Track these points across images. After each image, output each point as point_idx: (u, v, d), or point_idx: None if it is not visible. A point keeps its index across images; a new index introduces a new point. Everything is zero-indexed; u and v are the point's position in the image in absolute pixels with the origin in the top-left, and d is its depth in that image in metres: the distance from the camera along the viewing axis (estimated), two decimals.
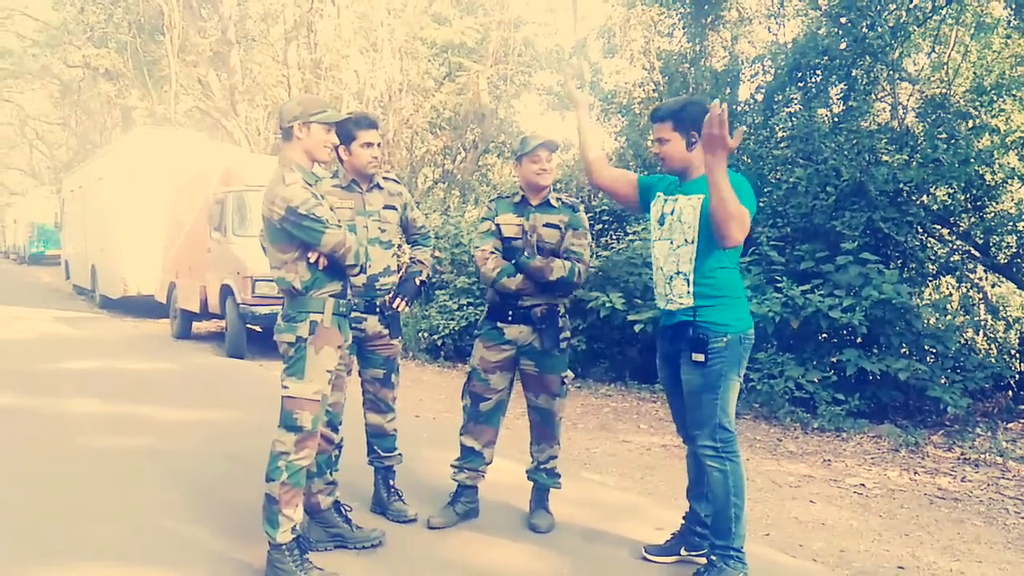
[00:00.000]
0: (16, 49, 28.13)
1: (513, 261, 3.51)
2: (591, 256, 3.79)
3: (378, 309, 3.64)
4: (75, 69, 24.87)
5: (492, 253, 3.54)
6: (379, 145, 3.63)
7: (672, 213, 3.03)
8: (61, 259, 19.89)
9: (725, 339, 2.92)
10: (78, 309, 14.61)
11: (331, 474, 3.38)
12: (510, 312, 3.55)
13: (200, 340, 10.67)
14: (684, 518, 3.31)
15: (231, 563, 3.14)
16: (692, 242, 2.95)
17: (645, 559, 3.22)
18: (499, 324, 3.58)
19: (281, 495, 2.89)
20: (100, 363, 8.13)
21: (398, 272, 3.80)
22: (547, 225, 3.55)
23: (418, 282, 3.78)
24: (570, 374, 3.68)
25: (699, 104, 2.99)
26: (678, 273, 2.99)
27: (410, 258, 3.89)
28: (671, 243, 3.02)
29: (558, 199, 3.63)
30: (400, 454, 3.83)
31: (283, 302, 3.09)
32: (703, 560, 3.11)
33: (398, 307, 3.68)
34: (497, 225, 3.61)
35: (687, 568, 3.11)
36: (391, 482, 3.81)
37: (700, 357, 2.92)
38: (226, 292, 9.07)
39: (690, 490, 3.29)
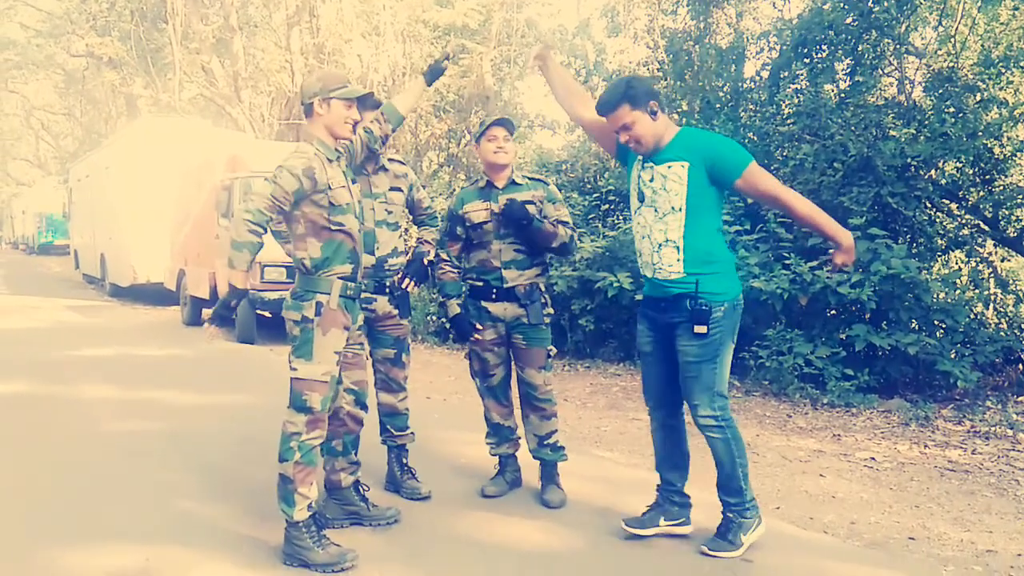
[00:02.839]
0: (20, 40, 28.11)
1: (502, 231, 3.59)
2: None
3: (387, 290, 3.68)
4: (79, 58, 24.87)
5: (446, 261, 3.76)
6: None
7: (652, 181, 2.99)
8: (70, 248, 20.00)
9: (723, 308, 2.94)
10: (88, 298, 14.71)
11: (355, 454, 3.42)
12: (493, 291, 3.64)
13: None
14: (657, 489, 3.30)
15: (249, 542, 3.19)
16: (680, 210, 2.92)
17: (625, 530, 3.20)
18: (483, 303, 3.67)
19: (295, 474, 2.92)
20: (113, 350, 8.20)
21: (406, 253, 3.83)
22: (524, 203, 3.57)
23: (425, 262, 3.82)
24: (553, 349, 3.76)
25: (638, 77, 3.12)
26: (668, 241, 2.96)
27: (417, 239, 3.93)
28: (656, 211, 2.98)
29: (524, 176, 3.70)
30: (412, 433, 3.87)
31: (295, 281, 3.10)
32: (684, 530, 3.21)
33: (406, 287, 3.73)
34: (463, 216, 3.68)
35: (692, 543, 3.15)
36: (404, 460, 3.86)
37: (703, 329, 2.91)
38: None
39: (661, 462, 3.29)
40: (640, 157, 3.06)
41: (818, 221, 2.97)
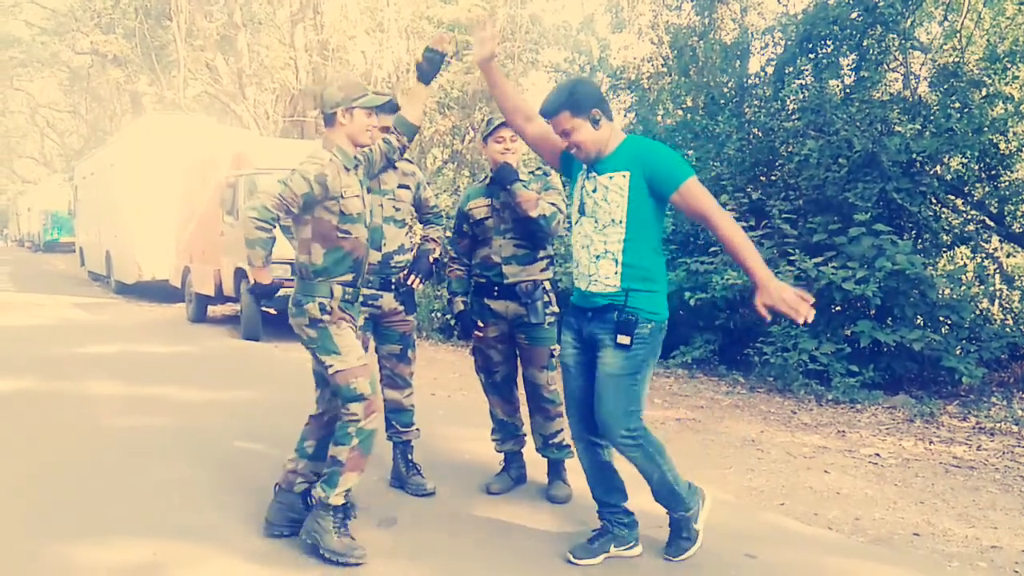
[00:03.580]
0: (25, 37, 28.19)
1: (509, 184, 3.51)
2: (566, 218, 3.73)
3: (393, 286, 3.70)
4: (83, 56, 24.90)
5: (455, 258, 3.79)
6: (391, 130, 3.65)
7: (595, 191, 2.88)
8: (75, 246, 20.05)
9: (650, 326, 2.82)
10: (94, 295, 14.75)
11: (318, 464, 3.27)
12: (495, 288, 3.65)
13: (215, 323, 10.77)
14: (600, 515, 3.12)
15: (255, 537, 3.20)
16: (620, 223, 2.81)
17: (572, 562, 2.99)
18: (485, 300, 3.68)
19: (348, 459, 2.95)
20: (119, 347, 8.23)
21: (412, 250, 3.84)
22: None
23: (431, 260, 3.84)
24: (558, 348, 3.74)
25: (585, 82, 2.98)
26: (606, 253, 2.84)
27: (422, 236, 3.94)
28: (596, 222, 2.87)
29: (529, 172, 3.70)
30: (418, 429, 3.88)
31: (295, 285, 3.11)
32: (634, 552, 3.06)
33: (412, 284, 3.74)
34: (468, 212, 3.71)
35: (703, 538, 3.15)
36: (409, 456, 3.87)
37: (626, 340, 2.80)
38: (240, 275, 9.13)
39: (595, 485, 3.12)
40: (584, 167, 2.98)
41: (744, 255, 2.73)
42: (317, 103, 3.64)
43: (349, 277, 3.09)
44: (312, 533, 2.99)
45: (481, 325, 3.67)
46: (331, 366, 2.99)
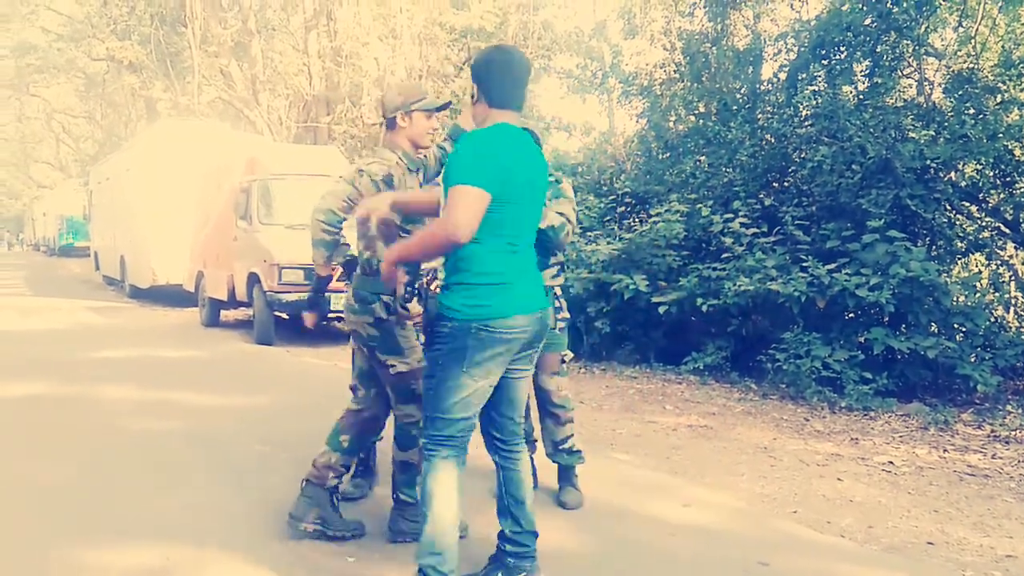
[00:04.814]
0: (41, 44, 28.49)
1: None
2: (577, 223, 3.74)
3: (418, 291, 3.73)
4: (99, 62, 25.14)
5: None
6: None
7: None
8: (90, 250, 20.20)
9: (449, 325, 2.52)
10: (109, 299, 14.86)
11: (353, 460, 3.37)
12: None
13: (229, 328, 10.82)
14: (499, 537, 2.86)
15: (266, 541, 3.21)
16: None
17: None
18: None
19: (420, 460, 2.94)
20: (134, 351, 8.28)
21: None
22: None
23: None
24: (569, 354, 3.75)
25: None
26: None
27: None
28: None
29: None
30: None
31: (353, 281, 3.15)
32: None
33: (434, 289, 3.76)
34: None
35: (709, 545, 3.14)
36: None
37: (422, 337, 2.80)
38: (253, 280, 9.18)
39: (498, 504, 2.86)
40: None
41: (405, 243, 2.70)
42: (378, 109, 3.71)
43: (408, 276, 3.07)
44: (409, 533, 3.07)
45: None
46: (393, 366, 3.05)
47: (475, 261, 2.50)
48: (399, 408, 3.09)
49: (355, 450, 3.29)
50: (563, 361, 3.70)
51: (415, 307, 3.72)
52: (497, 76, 2.60)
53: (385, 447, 4.03)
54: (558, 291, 3.71)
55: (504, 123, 2.56)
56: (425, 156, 3.33)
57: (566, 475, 3.80)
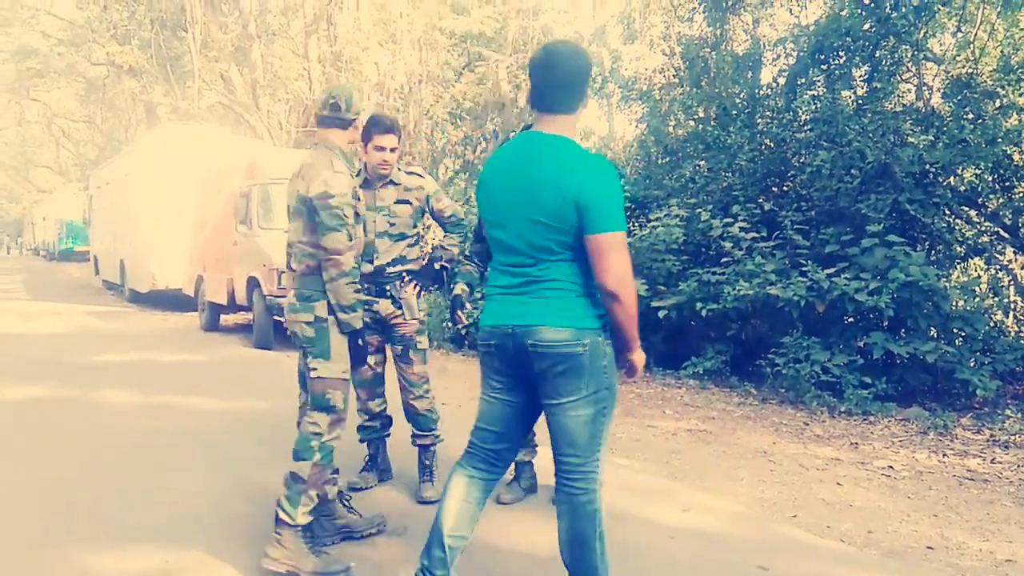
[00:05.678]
0: (42, 48, 28.50)
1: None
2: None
3: (388, 293, 3.79)
4: (99, 67, 25.13)
5: (468, 258, 3.68)
6: (393, 149, 3.71)
7: None
8: (90, 255, 20.20)
9: None
10: (108, 304, 14.85)
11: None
12: None
13: (228, 332, 10.82)
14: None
15: (266, 543, 3.20)
16: None
17: None
18: None
19: (311, 475, 2.90)
20: (134, 355, 8.28)
21: (414, 261, 3.88)
22: None
23: (438, 266, 3.91)
24: None
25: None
26: None
27: (435, 245, 4.00)
28: None
29: None
30: (436, 435, 3.94)
31: (295, 281, 3.07)
32: None
33: (409, 290, 3.81)
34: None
35: (708, 549, 3.14)
36: (426, 462, 3.92)
37: None
38: (253, 284, 9.18)
39: None
40: None
41: None
42: (337, 105, 3.36)
43: (357, 273, 3.07)
44: (286, 561, 2.85)
45: (462, 314, 3.64)
46: (315, 369, 2.96)
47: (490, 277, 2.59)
48: (309, 415, 2.97)
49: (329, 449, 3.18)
50: None
51: (387, 307, 3.84)
52: (531, 79, 2.43)
53: (393, 442, 4.06)
54: None
55: (526, 131, 2.48)
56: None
57: None
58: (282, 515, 2.89)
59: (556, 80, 2.36)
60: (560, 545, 2.48)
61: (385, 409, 4.00)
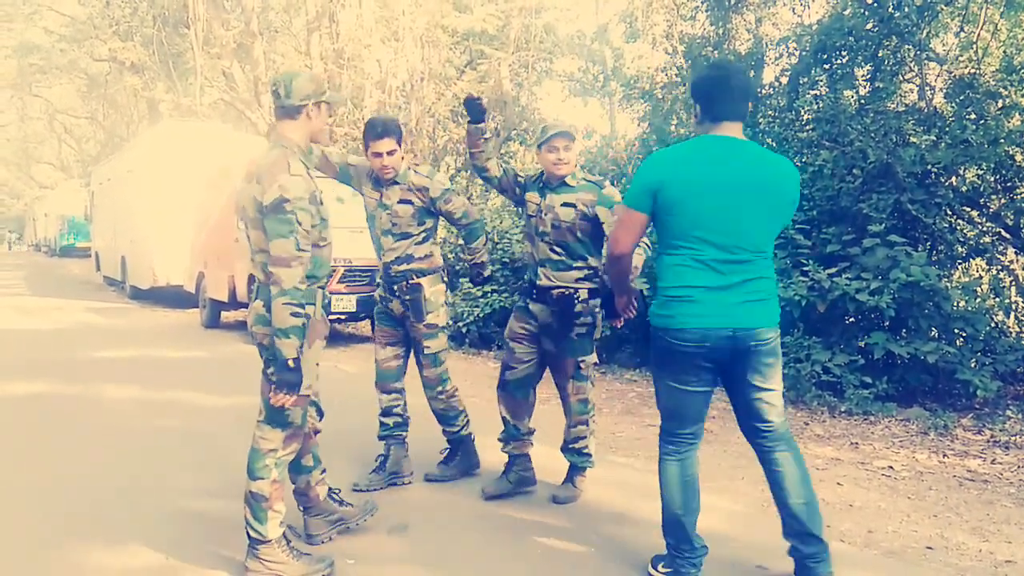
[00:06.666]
0: (44, 44, 28.50)
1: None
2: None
3: (396, 293, 3.86)
4: (101, 63, 25.18)
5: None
6: (391, 153, 3.70)
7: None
8: (91, 251, 20.21)
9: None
10: (109, 300, 14.87)
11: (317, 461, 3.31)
12: (534, 291, 3.72)
13: (229, 329, 10.83)
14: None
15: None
16: None
17: None
18: (527, 300, 3.76)
19: (272, 492, 2.80)
20: (134, 351, 8.29)
21: (422, 260, 3.87)
22: (564, 204, 3.62)
23: (483, 275, 4.06)
24: (588, 360, 3.73)
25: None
26: None
27: (468, 260, 4.08)
28: None
29: (580, 179, 3.65)
30: (455, 431, 4.09)
31: (260, 292, 2.88)
32: None
33: (430, 293, 3.89)
34: (526, 199, 3.81)
35: (715, 549, 3.14)
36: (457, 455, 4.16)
37: None
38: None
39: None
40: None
41: None
42: (276, 92, 3.21)
43: (325, 280, 2.98)
44: (268, 573, 2.82)
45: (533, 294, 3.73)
46: (275, 383, 2.77)
47: (662, 274, 2.79)
48: (260, 427, 2.85)
49: (318, 458, 3.20)
50: (578, 367, 3.71)
51: (397, 307, 3.91)
52: (705, 91, 2.76)
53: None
54: (583, 295, 3.64)
55: (705, 135, 2.73)
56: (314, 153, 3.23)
57: (569, 473, 3.86)
58: (253, 534, 2.82)
59: (739, 90, 2.73)
60: (792, 497, 2.79)
61: (398, 408, 4.00)
